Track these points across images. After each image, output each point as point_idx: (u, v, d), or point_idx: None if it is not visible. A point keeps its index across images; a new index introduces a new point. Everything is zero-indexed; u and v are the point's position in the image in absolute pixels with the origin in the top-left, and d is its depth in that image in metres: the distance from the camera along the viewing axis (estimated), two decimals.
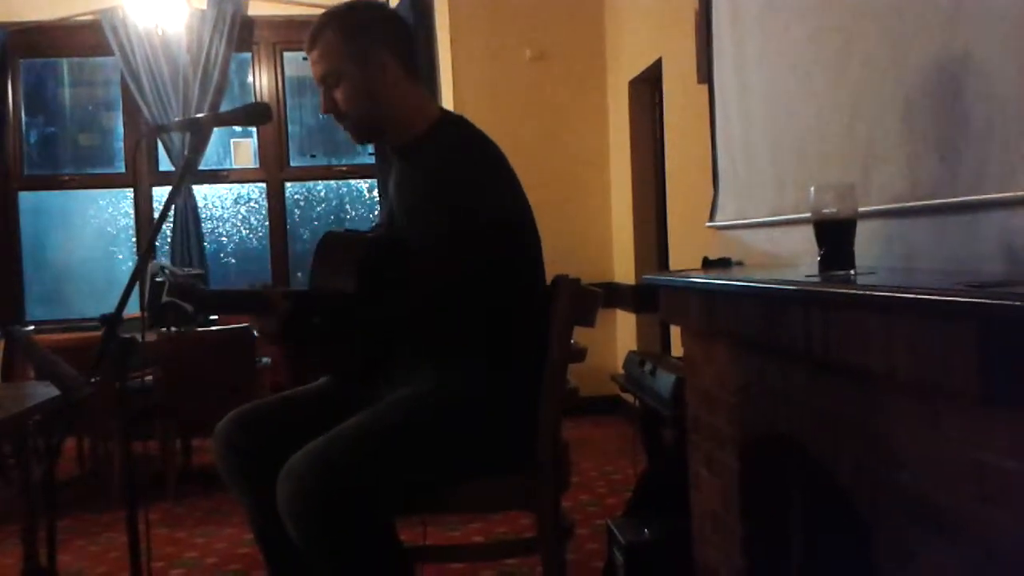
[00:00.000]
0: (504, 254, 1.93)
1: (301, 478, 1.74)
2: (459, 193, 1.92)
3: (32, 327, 5.19)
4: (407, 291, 1.93)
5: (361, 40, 2.02)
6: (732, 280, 2.08)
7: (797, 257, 2.39)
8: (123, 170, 6.55)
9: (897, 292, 1.29)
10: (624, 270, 5.82)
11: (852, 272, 1.67)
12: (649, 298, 3.34)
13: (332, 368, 2.15)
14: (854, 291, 1.47)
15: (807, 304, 1.62)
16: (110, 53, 6.22)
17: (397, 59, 2.05)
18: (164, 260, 1.77)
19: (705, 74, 3.42)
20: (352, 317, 1.94)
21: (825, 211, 1.71)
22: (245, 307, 1.92)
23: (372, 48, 2.02)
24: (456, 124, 2.07)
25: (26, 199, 6.49)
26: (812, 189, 1.74)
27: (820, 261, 1.71)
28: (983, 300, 1.10)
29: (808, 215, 1.75)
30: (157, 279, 1.81)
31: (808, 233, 1.77)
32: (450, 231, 1.89)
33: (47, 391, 2.49)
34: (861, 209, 1.74)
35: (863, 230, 1.73)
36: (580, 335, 2.05)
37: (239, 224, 6.75)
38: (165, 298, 1.80)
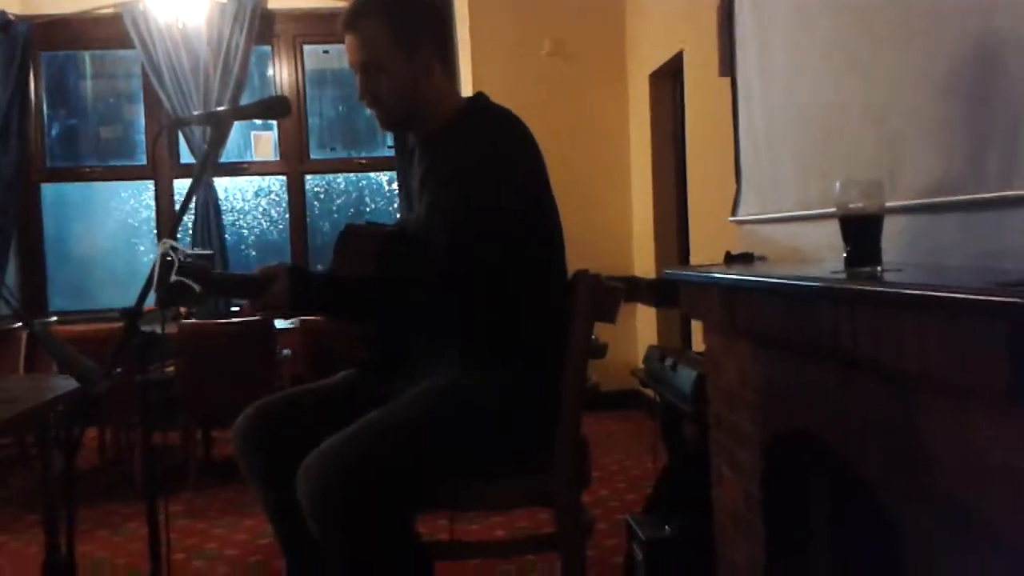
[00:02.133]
0: (523, 242, 1.91)
1: (321, 474, 1.73)
2: (479, 179, 1.90)
3: (55, 318, 5.23)
4: (425, 277, 1.91)
5: (410, 35, 1.97)
6: (756, 276, 2.05)
7: (821, 252, 2.36)
8: (144, 162, 6.59)
9: (929, 290, 1.27)
10: (644, 263, 5.79)
11: (879, 269, 1.65)
12: (670, 292, 3.31)
13: (352, 360, 2.15)
14: (885, 289, 1.44)
15: (835, 301, 1.60)
16: (131, 46, 6.24)
17: (438, 52, 2.03)
18: (170, 241, 1.76)
19: (727, 67, 3.38)
20: (369, 294, 1.92)
21: (851, 207, 1.68)
22: (252, 290, 1.90)
23: (420, 41, 1.98)
24: (481, 110, 2.05)
25: (48, 191, 6.54)
26: (838, 184, 1.71)
27: (846, 257, 1.69)
28: (1016, 299, 1.08)
29: (833, 210, 1.73)
30: (166, 258, 1.80)
31: (832, 228, 1.75)
32: (467, 217, 1.88)
33: (69, 383, 2.50)
34: (887, 204, 1.71)
35: (888, 225, 1.70)
36: (600, 328, 2.03)
37: (259, 216, 6.78)
38: (174, 277, 1.79)
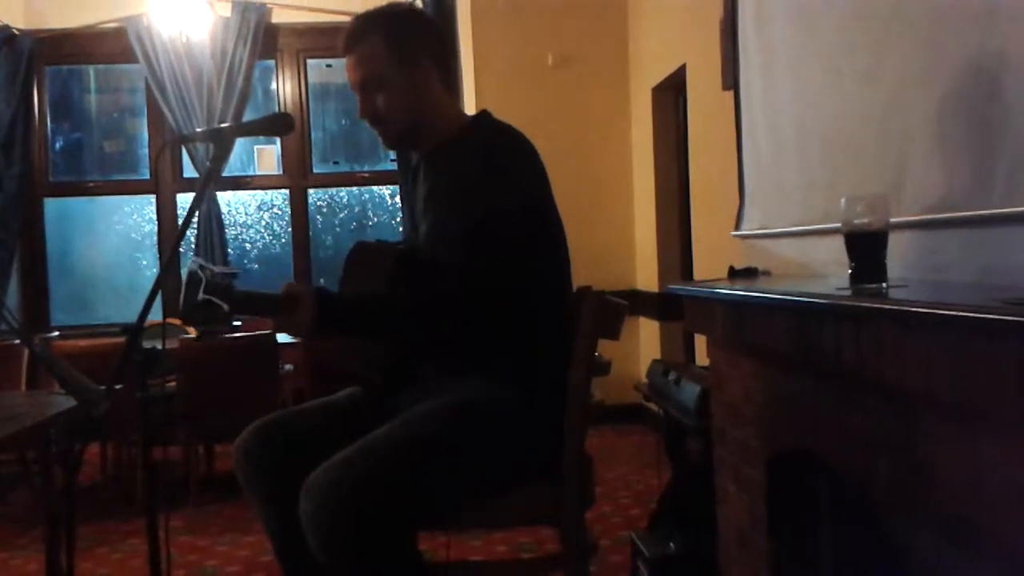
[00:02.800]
0: (529, 259, 1.90)
1: (323, 492, 1.72)
2: (485, 196, 1.90)
3: (57, 333, 5.23)
4: (435, 296, 1.90)
5: (408, 49, 1.99)
6: (760, 292, 2.04)
7: (825, 267, 2.35)
8: (147, 177, 6.60)
9: (936, 309, 1.26)
10: (647, 277, 5.78)
11: (884, 285, 1.64)
12: (673, 306, 3.30)
13: (356, 377, 2.14)
14: (890, 306, 1.43)
15: (839, 318, 1.58)
16: (135, 60, 6.26)
17: (437, 67, 2.04)
18: (200, 259, 1.77)
19: (731, 81, 3.38)
20: (388, 315, 1.91)
21: (856, 222, 1.67)
22: (275, 309, 1.89)
23: (419, 57, 2.00)
24: (485, 127, 2.05)
25: (51, 205, 6.55)
26: (843, 200, 1.70)
27: (851, 274, 1.68)
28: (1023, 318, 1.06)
29: (837, 225, 1.72)
30: (195, 276, 1.80)
31: (837, 243, 1.74)
32: (474, 235, 1.87)
33: (70, 400, 2.49)
34: (892, 220, 1.70)
35: (893, 241, 1.69)
36: (603, 343, 2.01)
37: (262, 230, 6.78)
38: (202, 295, 1.78)
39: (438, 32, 2.15)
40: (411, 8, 2.20)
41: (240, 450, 2.00)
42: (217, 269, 1.82)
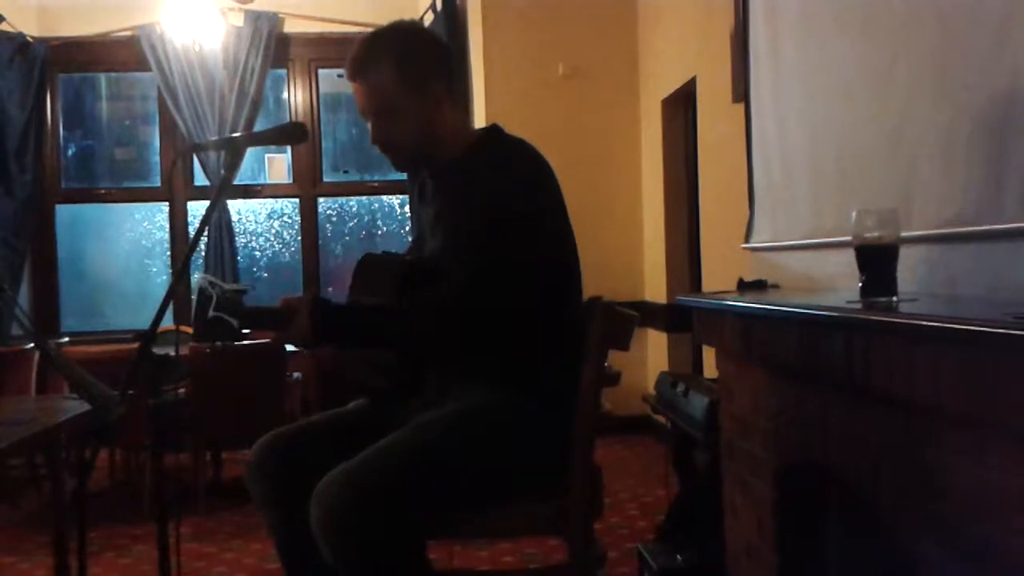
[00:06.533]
0: (540, 269, 1.91)
1: (332, 499, 1.72)
2: (496, 208, 1.89)
3: (67, 339, 5.25)
4: (444, 306, 1.90)
5: (418, 74, 1.97)
6: (770, 304, 2.05)
7: (835, 281, 2.35)
8: (159, 184, 6.63)
9: (945, 323, 1.26)
10: (655, 289, 5.78)
11: (894, 299, 1.64)
12: (681, 317, 3.30)
13: (364, 386, 2.14)
14: (902, 320, 1.43)
15: (850, 331, 1.59)
16: (148, 69, 6.30)
17: (446, 87, 2.03)
18: (209, 275, 1.79)
19: (741, 93, 3.39)
20: (391, 324, 1.92)
21: (867, 236, 1.68)
22: (277, 323, 1.90)
23: (428, 81, 1.98)
24: (496, 141, 2.06)
25: (63, 212, 6.59)
26: (854, 213, 1.70)
27: (861, 287, 1.68)
28: None
29: (847, 238, 1.72)
30: (205, 293, 1.81)
31: (847, 256, 1.74)
32: (485, 247, 1.87)
33: (80, 405, 2.51)
34: (903, 234, 1.70)
35: (903, 255, 1.69)
36: (610, 354, 2.02)
37: (272, 239, 6.80)
38: (212, 313, 1.80)
39: (445, 50, 2.12)
40: (418, 28, 2.17)
41: (252, 462, 2.00)
42: (227, 286, 1.83)
